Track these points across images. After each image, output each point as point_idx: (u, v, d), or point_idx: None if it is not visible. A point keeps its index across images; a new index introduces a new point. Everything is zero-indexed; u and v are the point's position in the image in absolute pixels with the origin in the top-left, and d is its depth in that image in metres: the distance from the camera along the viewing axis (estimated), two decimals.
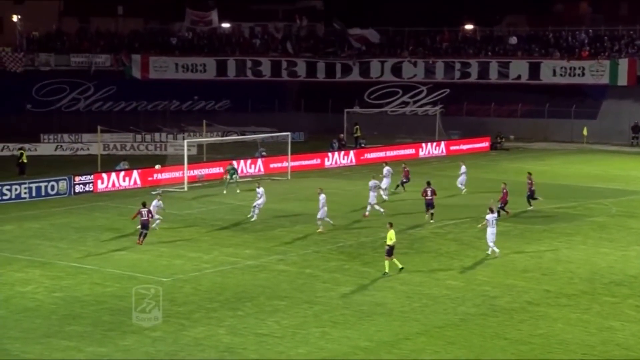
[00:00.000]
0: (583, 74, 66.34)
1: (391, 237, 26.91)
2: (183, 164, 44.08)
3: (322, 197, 33.14)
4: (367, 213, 35.91)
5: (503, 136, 62.11)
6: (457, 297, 24.84)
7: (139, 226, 30.96)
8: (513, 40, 70.74)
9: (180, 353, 20.51)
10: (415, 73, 70.53)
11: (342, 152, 53.97)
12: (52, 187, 40.94)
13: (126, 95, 67.91)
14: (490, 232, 29.45)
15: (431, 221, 34.94)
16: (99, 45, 69.80)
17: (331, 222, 33.34)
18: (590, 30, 70.63)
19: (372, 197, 36.01)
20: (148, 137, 58.82)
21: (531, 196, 38.02)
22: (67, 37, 70.74)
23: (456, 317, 23.21)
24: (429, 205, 35.19)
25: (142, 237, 30.63)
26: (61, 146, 57.19)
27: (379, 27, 73.60)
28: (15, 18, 70.76)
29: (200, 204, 39.17)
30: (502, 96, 67.06)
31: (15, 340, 21.18)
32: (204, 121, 54.17)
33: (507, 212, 35.80)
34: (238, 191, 41.73)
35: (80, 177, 42.02)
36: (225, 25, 75.42)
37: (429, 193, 35.34)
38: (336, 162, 52.55)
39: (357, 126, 60.38)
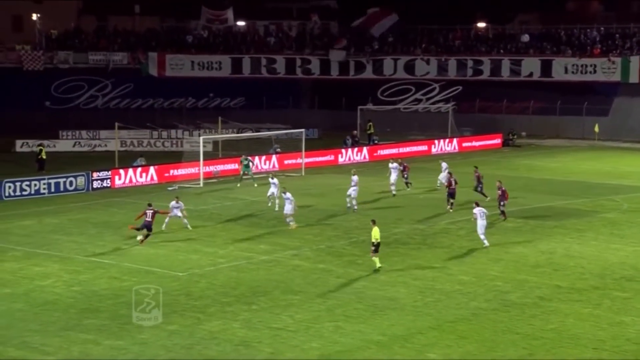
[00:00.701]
0: (595, 72, 66.05)
1: (375, 234, 26.63)
2: (199, 160, 44.17)
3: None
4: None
5: (515, 133, 61.94)
6: (469, 292, 24.81)
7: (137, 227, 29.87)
8: (525, 38, 70.50)
9: (196, 346, 20.57)
10: (428, 70, 70.39)
11: (356, 149, 53.96)
12: (71, 183, 41.14)
13: (143, 92, 68.18)
14: (480, 224, 29.80)
15: (450, 211, 35.67)
16: (117, 43, 70.05)
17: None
18: (602, 28, 70.29)
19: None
20: (164, 133, 59.00)
21: (479, 189, 37.74)
22: (85, 35, 71.04)
23: (468, 311, 23.18)
24: (451, 195, 36.06)
25: (144, 238, 29.83)
26: (79, 142, 57.46)
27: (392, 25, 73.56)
28: (34, 17, 71.16)
29: (215, 200, 39.27)
30: (514, 93, 66.88)
31: (34, 333, 21.32)
32: (220, 118, 54.31)
33: (503, 215, 34.07)
34: (255, 185, 41.96)
35: (97, 173, 42.20)
36: (241, 23, 75.52)
37: (452, 183, 36.26)
38: (350, 159, 52.54)
39: (371, 123, 60.35)
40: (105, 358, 19.91)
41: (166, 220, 32.30)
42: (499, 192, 34.33)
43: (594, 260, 28.63)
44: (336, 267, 27.45)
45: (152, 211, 30.03)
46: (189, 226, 32.43)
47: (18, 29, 72.97)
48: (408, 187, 41.42)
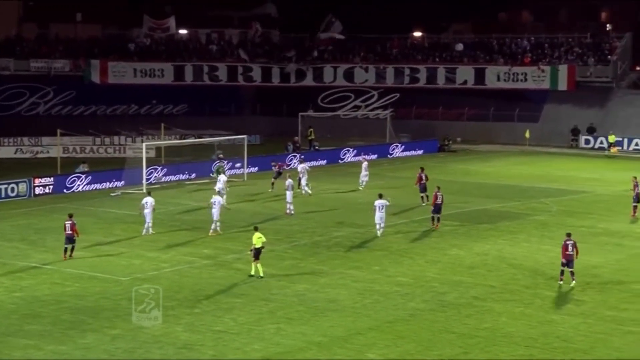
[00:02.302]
0: (525, 80, 67.23)
1: (255, 240, 26.28)
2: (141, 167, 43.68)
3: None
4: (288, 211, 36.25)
5: (450, 139, 62.66)
6: (407, 293, 25.00)
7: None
8: (459, 47, 71.45)
9: (139, 350, 20.32)
10: (366, 78, 70.81)
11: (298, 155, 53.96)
12: (12, 189, 40.30)
13: (85, 99, 67.14)
14: (378, 216, 31.77)
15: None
16: (58, 51, 68.88)
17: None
18: (532, 38, 71.62)
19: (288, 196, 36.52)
20: (107, 140, 58.14)
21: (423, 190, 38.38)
22: (27, 42, 69.69)
23: (406, 312, 23.35)
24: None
25: (68, 252, 28.22)
26: (21, 149, 56.31)
27: (331, 34, 73.78)
28: None
29: (158, 205, 38.79)
30: (449, 100, 67.64)
31: None
32: (162, 124, 53.77)
33: (435, 224, 33.67)
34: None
35: (40, 180, 41.44)
36: (183, 31, 74.95)
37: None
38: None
39: (311, 129, 60.42)
40: None
41: (145, 225, 31.94)
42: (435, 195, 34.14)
43: (526, 261, 29.11)
44: (278, 271, 27.39)
45: (70, 223, 28.28)
46: (150, 230, 32.09)
47: None
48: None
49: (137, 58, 70.02)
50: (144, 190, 42.13)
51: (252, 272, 26.36)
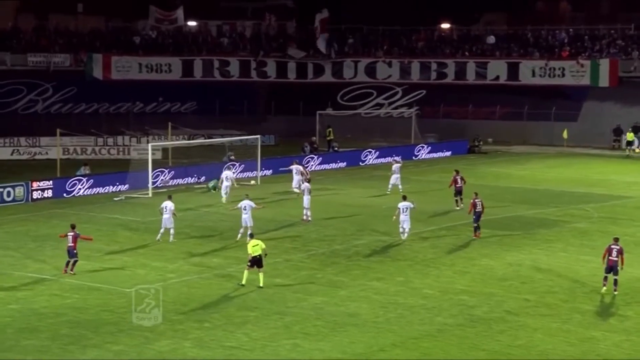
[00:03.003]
0: (563, 75, 67.03)
1: (251, 249, 26.38)
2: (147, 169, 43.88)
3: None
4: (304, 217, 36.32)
5: (481, 139, 62.52)
6: (434, 307, 24.93)
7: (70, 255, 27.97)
8: (491, 39, 71.30)
9: None
10: (390, 73, 70.84)
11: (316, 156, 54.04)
12: (8, 194, 40.55)
13: (87, 96, 67.57)
14: (402, 219, 32.40)
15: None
16: (58, 44, 69.35)
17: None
18: (571, 30, 71.36)
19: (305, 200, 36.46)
20: (110, 140, 58.44)
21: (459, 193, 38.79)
22: (24, 35, 70.20)
23: (432, 327, 23.29)
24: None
25: (70, 266, 27.80)
26: (18, 150, 56.72)
27: (353, 25, 73.83)
28: None
29: (165, 211, 38.93)
30: (480, 98, 67.54)
31: None
32: (169, 124, 54.01)
33: (477, 233, 33.55)
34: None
35: (38, 183, 41.69)
36: (192, 23, 75.28)
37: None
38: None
39: (330, 129, 60.47)
40: None
41: (161, 230, 32.19)
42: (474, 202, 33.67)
43: (564, 272, 28.96)
44: (294, 282, 27.40)
45: (72, 234, 27.78)
46: (172, 238, 32.21)
47: None
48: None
49: (143, 52, 70.40)
50: (150, 195, 42.39)
51: (244, 282, 26.52)
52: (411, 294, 26.18)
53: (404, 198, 33.15)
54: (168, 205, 32.29)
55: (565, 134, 62.43)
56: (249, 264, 26.47)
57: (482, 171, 52.11)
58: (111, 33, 73.92)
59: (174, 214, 32.31)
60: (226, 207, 38.22)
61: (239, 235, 32.29)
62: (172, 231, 32.33)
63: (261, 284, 26.32)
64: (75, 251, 27.87)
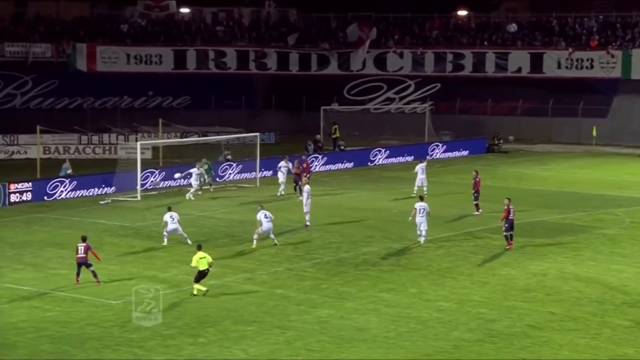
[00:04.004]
0: (592, 67, 67.08)
1: (197, 262, 26.59)
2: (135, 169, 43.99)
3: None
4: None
5: (501, 137, 62.57)
6: (450, 321, 24.96)
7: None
8: (512, 28, 71.39)
9: None
10: (401, 65, 70.95)
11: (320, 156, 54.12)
12: None
13: (70, 90, 67.77)
14: (419, 221, 33.00)
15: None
16: (38, 33, 69.54)
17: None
18: (601, 17, 71.38)
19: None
20: (95, 138, 58.63)
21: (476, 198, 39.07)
22: (1, 22, 70.38)
23: (448, 343, 23.32)
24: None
25: (93, 278, 28.19)
26: None
27: (361, 13, 73.93)
28: None
29: (155, 215, 38.98)
30: (500, 91, 67.64)
31: None
32: (160, 120, 54.11)
33: (509, 243, 33.38)
34: (211, 190, 43.58)
35: (16, 185, 41.79)
36: (185, 10, 75.50)
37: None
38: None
39: (336, 126, 60.56)
40: None
41: (164, 233, 32.65)
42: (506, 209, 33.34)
43: (592, 283, 28.97)
44: (296, 293, 27.45)
45: (84, 245, 28.04)
46: (188, 241, 32.61)
47: None
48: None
49: (131, 42, 70.59)
50: (138, 198, 42.48)
51: (195, 292, 26.79)
52: (425, 307, 26.22)
53: (421, 198, 34.13)
54: (174, 215, 32.90)
55: (594, 132, 62.48)
56: (195, 279, 26.78)
57: (503, 172, 52.13)
58: (96, 21, 74.14)
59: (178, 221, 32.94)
60: (222, 210, 38.24)
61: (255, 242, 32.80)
62: (184, 235, 32.94)
63: (203, 288, 26.68)
64: (88, 262, 28.05)
